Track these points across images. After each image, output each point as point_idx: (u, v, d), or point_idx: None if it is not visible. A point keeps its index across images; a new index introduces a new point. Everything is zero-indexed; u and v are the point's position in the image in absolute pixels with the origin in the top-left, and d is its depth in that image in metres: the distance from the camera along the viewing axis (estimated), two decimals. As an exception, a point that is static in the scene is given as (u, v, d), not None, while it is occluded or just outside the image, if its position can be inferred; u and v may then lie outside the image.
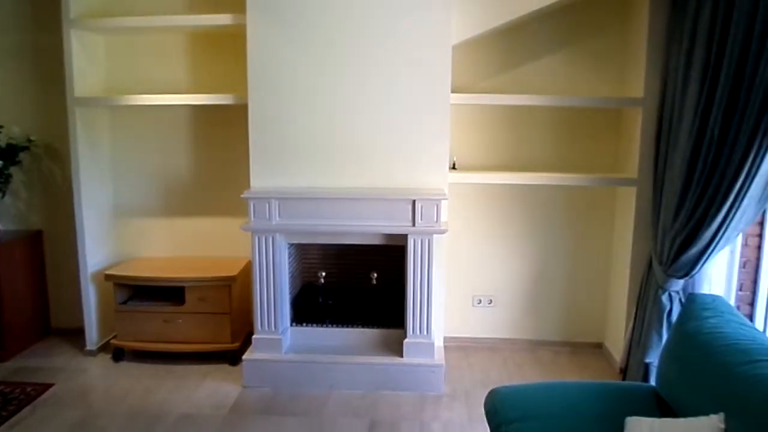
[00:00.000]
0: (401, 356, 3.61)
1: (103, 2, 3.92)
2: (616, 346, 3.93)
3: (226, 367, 3.89)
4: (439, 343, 3.76)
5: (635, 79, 3.70)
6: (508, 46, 3.97)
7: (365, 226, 3.51)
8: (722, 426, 1.84)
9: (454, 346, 4.22)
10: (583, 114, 3.99)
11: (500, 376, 3.82)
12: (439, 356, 3.66)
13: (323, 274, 3.95)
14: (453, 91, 3.57)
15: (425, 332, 3.58)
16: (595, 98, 3.81)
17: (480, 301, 4.29)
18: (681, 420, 2.01)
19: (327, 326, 3.82)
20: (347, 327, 3.81)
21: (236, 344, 3.92)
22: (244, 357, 3.65)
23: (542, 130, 4.05)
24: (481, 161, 4.09)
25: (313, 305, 3.93)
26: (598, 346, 4.26)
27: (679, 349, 2.28)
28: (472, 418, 3.29)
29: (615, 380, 3.63)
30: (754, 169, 2.54)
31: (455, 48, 3.57)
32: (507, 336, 4.31)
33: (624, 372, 3.55)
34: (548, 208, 4.14)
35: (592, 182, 3.80)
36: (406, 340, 3.60)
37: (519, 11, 3.58)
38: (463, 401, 3.49)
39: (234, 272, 3.89)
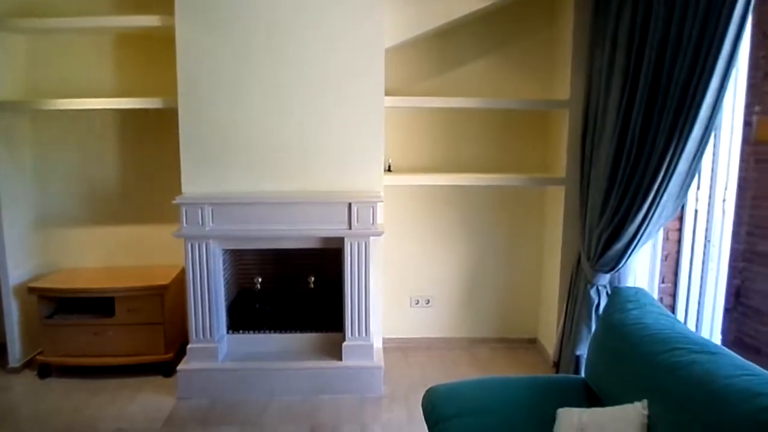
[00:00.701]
0: (340, 359, 3.60)
1: (23, 1, 3.75)
2: (549, 340, 4.04)
3: (159, 379, 3.78)
4: (377, 344, 3.78)
5: (561, 82, 3.84)
6: (441, 50, 4.04)
7: (301, 230, 3.48)
8: (645, 412, 1.92)
9: (393, 347, 4.24)
10: (513, 116, 4.09)
11: (438, 375, 3.85)
12: (378, 358, 3.67)
13: (260, 279, 3.91)
14: (387, 94, 3.60)
15: (364, 334, 3.59)
16: (524, 100, 3.90)
17: (417, 301, 4.33)
18: (608, 409, 2.09)
19: (264, 332, 3.77)
20: (285, 332, 3.77)
21: (170, 355, 3.81)
22: (178, 367, 3.55)
23: (474, 132, 4.13)
24: (416, 163, 4.14)
25: (249, 311, 3.87)
26: (533, 342, 4.38)
27: (605, 341, 2.37)
28: (411, 418, 3.32)
29: (548, 374, 3.74)
30: (671, 168, 2.67)
31: (389, 51, 3.60)
32: (444, 335, 4.38)
33: (557, 365, 3.66)
34: (481, 209, 4.23)
35: (522, 182, 3.90)
36: (344, 343, 3.60)
37: (449, 15, 3.65)
38: (402, 402, 3.52)
39: (166, 281, 3.78)
